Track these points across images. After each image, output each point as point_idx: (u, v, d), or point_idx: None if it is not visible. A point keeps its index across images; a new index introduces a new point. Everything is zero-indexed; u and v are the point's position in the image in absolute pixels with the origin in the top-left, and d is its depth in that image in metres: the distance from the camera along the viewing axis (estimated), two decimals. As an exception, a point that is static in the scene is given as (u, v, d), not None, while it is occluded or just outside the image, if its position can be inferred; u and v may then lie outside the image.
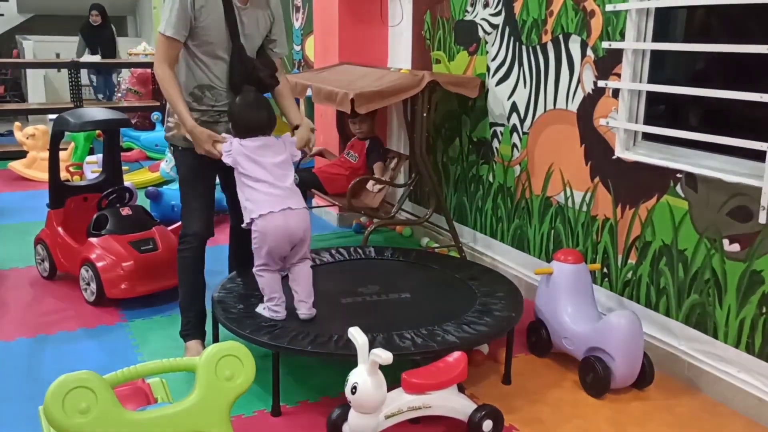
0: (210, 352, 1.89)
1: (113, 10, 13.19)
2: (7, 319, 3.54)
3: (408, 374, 2.45)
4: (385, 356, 2.25)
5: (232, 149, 2.77)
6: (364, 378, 2.30)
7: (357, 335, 2.35)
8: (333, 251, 3.67)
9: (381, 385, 2.32)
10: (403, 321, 2.84)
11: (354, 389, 2.31)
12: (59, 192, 4.01)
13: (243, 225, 2.81)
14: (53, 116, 8.18)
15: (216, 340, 3.06)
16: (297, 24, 6.38)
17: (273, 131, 2.89)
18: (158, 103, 7.80)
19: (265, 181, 2.75)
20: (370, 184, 4.38)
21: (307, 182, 4.43)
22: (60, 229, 3.95)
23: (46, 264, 4.02)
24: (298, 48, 6.41)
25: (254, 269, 2.86)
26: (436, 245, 4.50)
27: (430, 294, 3.21)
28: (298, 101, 6.21)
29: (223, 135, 2.85)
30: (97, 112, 4.00)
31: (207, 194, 3.05)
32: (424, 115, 3.95)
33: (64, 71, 9.08)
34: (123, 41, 12.06)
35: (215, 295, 3.08)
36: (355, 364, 2.37)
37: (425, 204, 4.50)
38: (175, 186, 5.18)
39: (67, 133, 4.47)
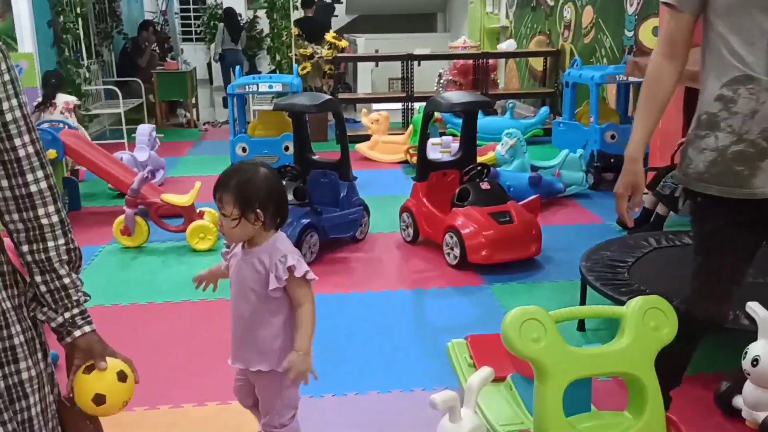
0: (636, 304, 2.06)
1: (423, 8, 14.21)
2: (386, 273, 4.12)
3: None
4: (795, 330, 2.23)
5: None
6: (767, 351, 2.31)
7: (757, 309, 2.37)
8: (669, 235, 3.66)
9: (784, 360, 2.31)
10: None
11: (755, 361, 2.33)
12: (425, 167, 4.52)
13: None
14: (377, 106, 9.11)
15: (583, 304, 3.26)
16: (630, 9, 6.33)
17: None
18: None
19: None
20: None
21: None
22: (425, 199, 4.46)
23: (410, 230, 4.56)
24: (630, 34, 6.36)
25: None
26: None
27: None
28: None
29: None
30: (462, 95, 4.43)
31: (733, 268, 2.05)
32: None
33: (382, 65, 10.09)
34: (429, 36, 12.95)
35: (583, 264, 3.28)
36: (741, 340, 2.40)
37: None
38: (510, 167, 5.53)
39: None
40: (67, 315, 1.41)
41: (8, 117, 1.32)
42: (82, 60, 8.02)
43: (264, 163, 2.01)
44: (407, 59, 8.22)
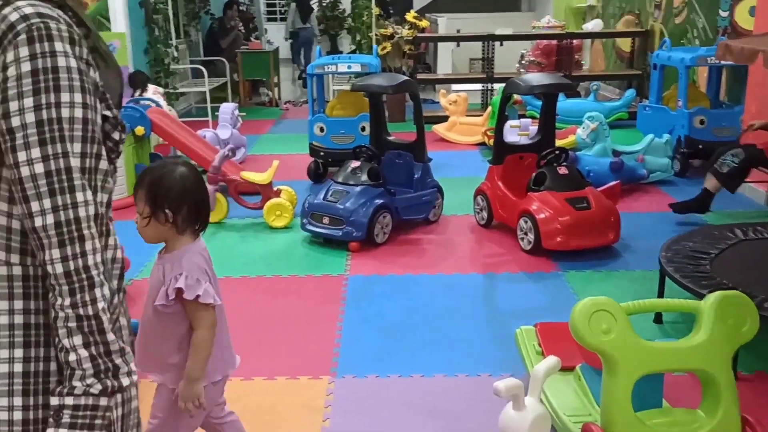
0: (715, 299, 1.98)
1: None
2: (459, 256, 4.10)
3: None
4: None
5: None
6: None
7: None
8: (783, 226, 3.47)
9: None
10: None
11: None
12: (501, 150, 4.45)
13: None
14: (456, 86, 9.02)
15: (661, 296, 3.15)
16: (727, -12, 5.99)
17: None
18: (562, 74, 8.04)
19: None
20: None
21: (753, 159, 4.23)
22: (500, 183, 4.39)
23: (484, 213, 4.51)
24: (725, 14, 6.03)
25: None
26: None
27: None
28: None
29: None
30: (542, 77, 4.32)
31: None
32: None
33: (463, 45, 9.94)
34: (513, 16, 12.64)
35: (663, 254, 3.16)
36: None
37: None
38: (591, 152, 5.37)
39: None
40: (54, 402, 1.01)
41: (14, 122, 0.97)
42: (171, 40, 8.27)
43: (186, 163, 1.87)
44: (488, 39, 8.09)
